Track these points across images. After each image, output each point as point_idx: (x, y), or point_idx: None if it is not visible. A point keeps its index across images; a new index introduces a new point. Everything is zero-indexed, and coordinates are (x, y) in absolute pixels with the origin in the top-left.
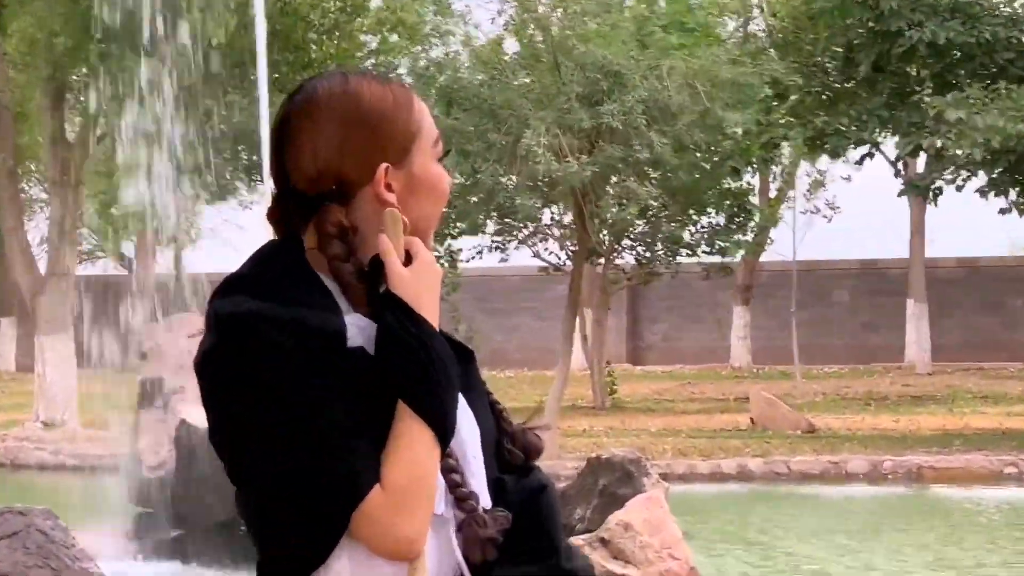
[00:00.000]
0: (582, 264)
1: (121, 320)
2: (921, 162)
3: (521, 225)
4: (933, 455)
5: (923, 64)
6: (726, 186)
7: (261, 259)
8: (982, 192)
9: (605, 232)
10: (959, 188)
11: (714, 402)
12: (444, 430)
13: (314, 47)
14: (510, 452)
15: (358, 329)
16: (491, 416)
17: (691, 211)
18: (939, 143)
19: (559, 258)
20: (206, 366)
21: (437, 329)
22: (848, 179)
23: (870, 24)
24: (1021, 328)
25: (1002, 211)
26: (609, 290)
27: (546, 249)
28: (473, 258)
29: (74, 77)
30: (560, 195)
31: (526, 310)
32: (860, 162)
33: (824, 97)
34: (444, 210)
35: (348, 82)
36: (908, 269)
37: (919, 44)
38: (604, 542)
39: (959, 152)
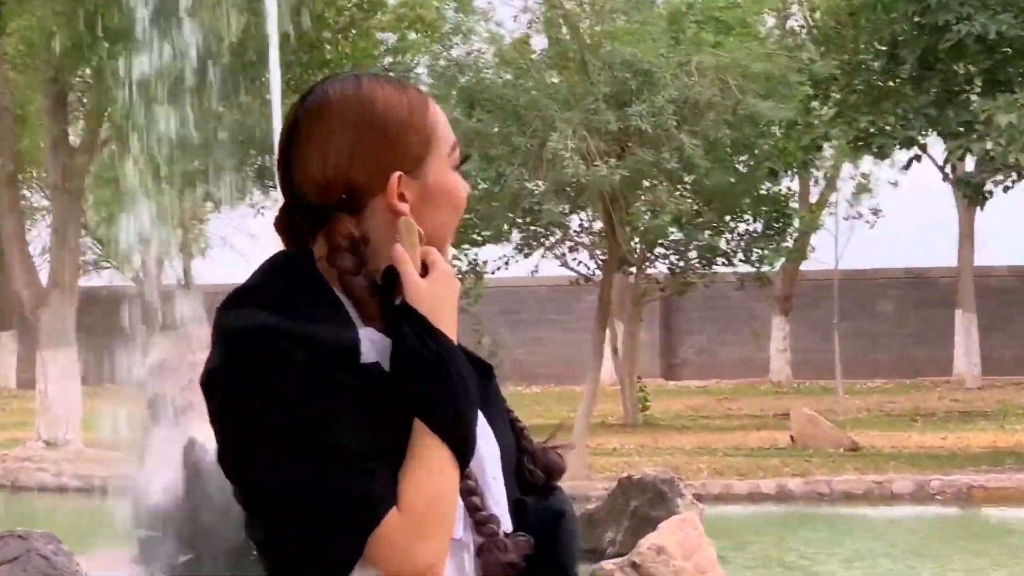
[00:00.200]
0: (612, 274)
1: (127, 333)
2: (971, 162)
3: (548, 232)
4: (983, 474)
5: (972, 60)
6: (764, 191)
7: (270, 270)
8: None
9: (636, 240)
10: (1006, 189)
11: (752, 419)
12: (463, 449)
13: (329, 46)
14: (531, 472)
15: (371, 344)
16: (511, 435)
17: (727, 217)
18: (989, 145)
19: (588, 267)
20: (215, 384)
21: (456, 343)
22: (895, 184)
23: (915, 18)
24: None
25: None
26: (641, 301)
27: (574, 258)
28: (499, 268)
29: (77, 78)
30: (589, 201)
31: (554, 322)
32: (907, 166)
33: (867, 96)
34: (466, 217)
35: (361, 85)
36: (957, 278)
37: (968, 39)
38: (635, 566)
39: (1010, 159)
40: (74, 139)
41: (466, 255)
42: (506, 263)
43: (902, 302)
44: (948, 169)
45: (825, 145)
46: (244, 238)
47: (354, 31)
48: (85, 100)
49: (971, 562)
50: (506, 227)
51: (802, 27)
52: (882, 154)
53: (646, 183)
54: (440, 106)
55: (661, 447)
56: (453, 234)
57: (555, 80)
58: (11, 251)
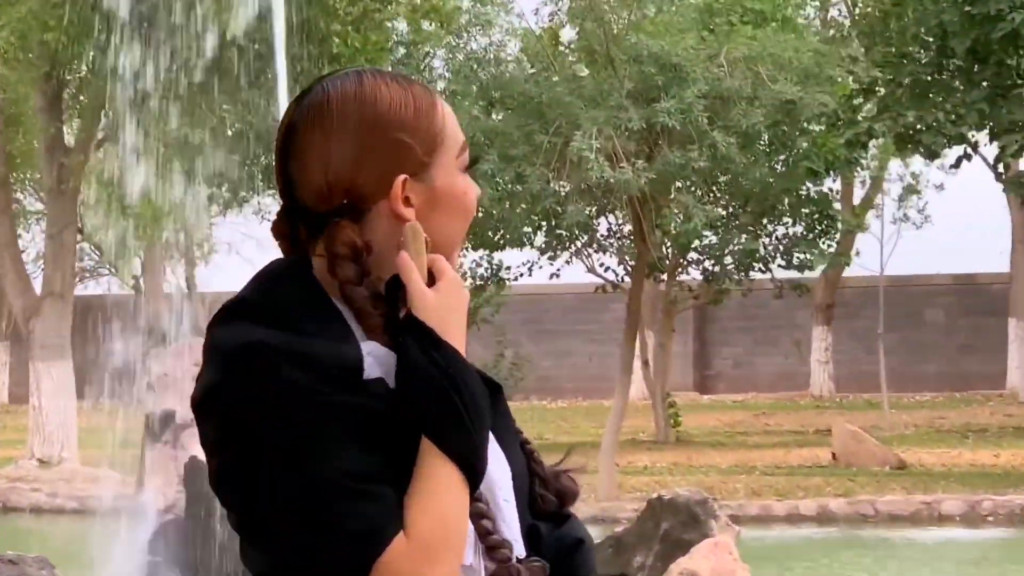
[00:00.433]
0: (642, 281)
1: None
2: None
3: (572, 236)
4: None
5: None
6: (804, 191)
7: (265, 282)
8: None
9: (668, 244)
10: None
11: (791, 435)
12: (474, 470)
13: (337, 39)
14: (542, 497)
15: (375, 359)
16: (522, 457)
17: (765, 220)
18: None
19: (617, 274)
20: (211, 404)
21: (465, 356)
22: (941, 187)
23: (965, 7)
24: None
25: None
26: (673, 310)
27: (602, 264)
28: (521, 275)
29: (72, 73)
30: (616, 203)
31: (580, 333)
32: (957, 164)
33: (914, 90)
34: (482, 220)
35: (363, 83)
36: (1010, 284)
37: (1022, 28)
38: None
39: None
40: (69, 138)
41: (490, 260)
42: (529, 270)
43: (952, 310)
44: (1000, 168)
45: (870, 143)
46: (250, 243)
47: (366, 23)
48: (81, 96)
49: None
50: (528, 230)
51: (845, 17)
52: (929, 152)
53: (678, 184)
54: (457, 103)
55: (694, 465)
56: (462, 241)
57: (582, 74)
58: (3, 257)
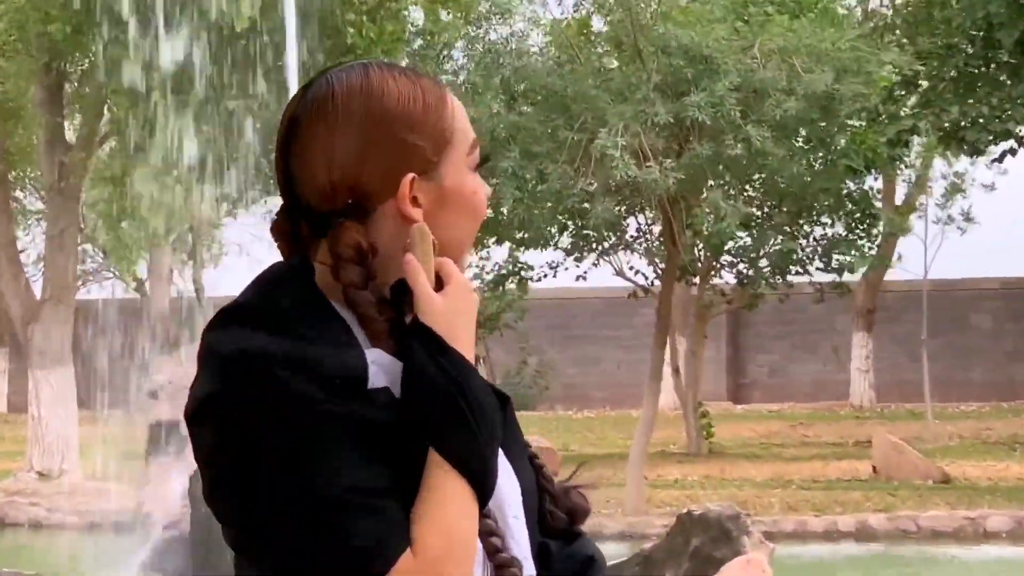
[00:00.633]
0: (673, 284)
1: (130, 352)
2: None
3: (599, 236)
4: None
5: None
6: (843, 190)
7: (264, 285)
8: None
9: (700, 246)
10: None
11: (830, 447)
12: (483, 482)
13: (352, 30)
14: (552, 514)
15: (380, 367)
16: (531, 472)
17: (801, 220)
18: None
19: (646, 277)
20: (206, 412)
21: (474, 365)
22: (992, 187)
23: None
24: None
25: None
26: (705, 315)
27: (630, 267)
28: (545, 276)
29: (74, 66)
30: (646, 202)
31: (608, 339)
32: (1000, 159)
33: (958, 83)
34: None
35: (369, 76)
36: None
37: None
38: None
39: None
40: (71, 134)
41: (514, 259)
42: (554, 271)
43: (999, 315)
44: None
45: (912, 139)
46: (262, 245)
47: (382, 12)
48: (83, 91)
49: None
50: (552, 230)
51: (887, 8)
52: (974, 148)
53: (710, 183)
54: (477, 97)
55: (727, 478)
56: (472, 243)
57: (611, 67)
58: (0, 260)
